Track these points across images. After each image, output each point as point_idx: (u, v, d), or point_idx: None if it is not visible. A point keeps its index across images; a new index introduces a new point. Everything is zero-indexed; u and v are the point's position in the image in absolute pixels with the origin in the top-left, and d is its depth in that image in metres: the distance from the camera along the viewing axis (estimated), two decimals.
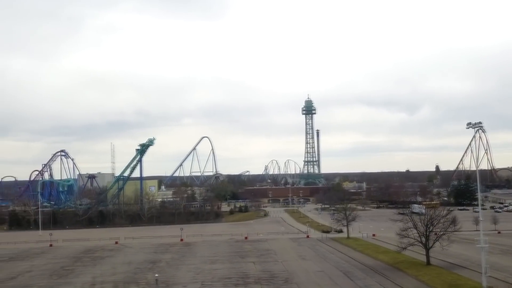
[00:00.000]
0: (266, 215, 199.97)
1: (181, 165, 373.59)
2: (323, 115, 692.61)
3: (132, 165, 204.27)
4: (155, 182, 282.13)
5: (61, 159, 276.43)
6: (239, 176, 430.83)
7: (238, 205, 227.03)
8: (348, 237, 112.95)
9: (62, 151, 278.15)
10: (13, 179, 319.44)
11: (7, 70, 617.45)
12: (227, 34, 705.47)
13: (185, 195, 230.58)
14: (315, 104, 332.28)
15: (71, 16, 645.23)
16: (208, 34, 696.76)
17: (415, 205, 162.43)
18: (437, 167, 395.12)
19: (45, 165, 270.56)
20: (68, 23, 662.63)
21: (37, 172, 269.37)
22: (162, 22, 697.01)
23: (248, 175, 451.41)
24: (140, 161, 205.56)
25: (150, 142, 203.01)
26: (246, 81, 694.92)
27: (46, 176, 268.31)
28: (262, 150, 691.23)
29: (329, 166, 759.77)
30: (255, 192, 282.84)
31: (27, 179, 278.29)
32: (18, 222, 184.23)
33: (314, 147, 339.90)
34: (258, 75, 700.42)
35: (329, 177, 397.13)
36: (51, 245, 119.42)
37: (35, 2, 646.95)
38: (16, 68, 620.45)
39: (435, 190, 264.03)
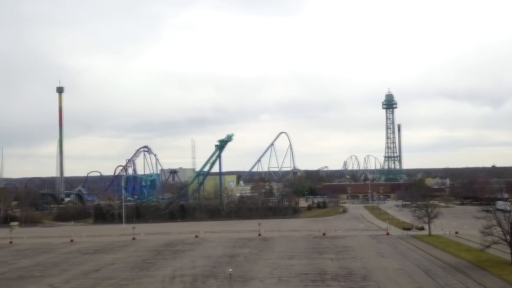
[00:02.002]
0: (344, 211, 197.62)
1: (259, 160, 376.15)
2: (404, 109, 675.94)
3: (211, 161, 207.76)
4: (234, 177, 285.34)
5: (144, 154, 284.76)
6: (317, 171, 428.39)
7: (316, 201, 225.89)
8: (429, 235, 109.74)
9: (145, 147, 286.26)
10: (98, 174, 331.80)
11: (92, 69, 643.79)
12: (303, 29, 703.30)
13: (263, 191, 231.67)
14: (395, 98, 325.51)
15: (151, 15, 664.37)
16: (284, 29, 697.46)
17: (499, 201, 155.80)
18: None
19: (129, 160, 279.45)
20: (149, 22, 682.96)
21: (121, 167, 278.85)
22: (239, 19, 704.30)
23: (327, 171, 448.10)
24: (219, 156, 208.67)
25: (229, 138, 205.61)
26: (324, 74, 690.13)
27: (130, 171, 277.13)
28: (341, 145, 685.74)
29: (410, 161, 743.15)
30: (333, 188, 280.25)
31: (112, 174, 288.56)
32: (103, 215, 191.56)
33: (395, 142, 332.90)
34: (335, 68, 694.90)
35: (411, 173, 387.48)
36: (133, 239, 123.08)
37: (117, 3, 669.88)
38: (101, 67, 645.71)
39: None
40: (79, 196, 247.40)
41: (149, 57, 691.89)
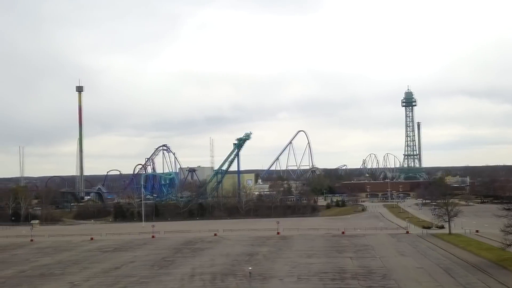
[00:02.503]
0: (364, 210, 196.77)
1: (277, 159, 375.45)
2: (423, 107, 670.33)
3: (230, 159, 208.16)
4: (252, 175, 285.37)
5: (163, 153, 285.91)
6: (336, 170, 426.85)
7: (335, 199, 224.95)
8: (449, 233, 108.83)
9: (164, 145, 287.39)
10: (118, 173, 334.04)
11: (110, 68, 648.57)
12: (321, 27, 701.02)
13: (282, 189, 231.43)
14: (414, 96, 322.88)
15: (169, 14, 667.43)
16: (302, 28, 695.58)
17: None
18: None
19: (148, 159, 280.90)
20: (166, 21, 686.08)
21: (140, 166, 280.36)
22: (257, 17, 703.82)
23: (345, 169, 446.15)
24: (237, 155, 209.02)
25: (247, 137, 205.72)
26: (342, 72, 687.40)
27: (149, 169, 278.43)
28: (360, 144, 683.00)
29: (430, 159, 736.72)
30: (352, 187, 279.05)
31: (131, 172, 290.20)
32: (122, 214, 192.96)
33: (414, 140, 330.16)
34: (354, 66, 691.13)
35: (431, 171, 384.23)
36: (153, 237, 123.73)
37: (134, 2, 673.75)
38: (119, 66, 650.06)
39: None
40: (99, 195, 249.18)
41: (167, 56, 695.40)
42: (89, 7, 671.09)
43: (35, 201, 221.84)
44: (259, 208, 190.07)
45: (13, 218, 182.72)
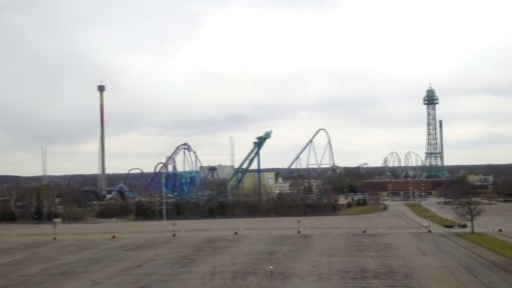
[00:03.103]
0: (385, 208, 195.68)
1: (297, 157, 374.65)
2: (445, 104, 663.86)
3: (250, 158, 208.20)
4: (273, 174, 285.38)
5: (183, 152, 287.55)
6: (357, 168, 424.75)
7: (356, 198, 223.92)
8: (472, 232, 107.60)
9: (184, 144, 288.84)
10: (139, 171, 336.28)
11: (131, 68, 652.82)
12: (342, 24, 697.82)
13: (302, 188, 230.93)
14: (436, 93, 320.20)
15: (189, 13, 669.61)
16: (322, 25, 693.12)
17: None
18: None
19: (169, 157, 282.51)
20: (186, 20, 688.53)
21: (161, 165, 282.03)
22: (277, 16, 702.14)
23: (366, 168, 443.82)
24: (257, 153, 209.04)
25: (267, 135, 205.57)
26: (363, 70, 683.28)
27: (170, 168, 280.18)
28: (381, 142, 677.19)
29: (452, 158, 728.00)
30: (373, 185, 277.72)
31: (152, 171, 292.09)
32: (144, 212, 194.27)
33: (436, 139, 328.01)
34: (374, 64, 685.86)
35: (453, 169, 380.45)
36: (174, 235, 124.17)
37: (155, 1, 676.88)
38: (140, 65, 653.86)
39: None
40: (121, 193, 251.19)
41: (188, 55, 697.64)
42: (110, 7, 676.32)
43: (58, 199, 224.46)
44: (280, 206, 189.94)
45: (36, 216, 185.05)
